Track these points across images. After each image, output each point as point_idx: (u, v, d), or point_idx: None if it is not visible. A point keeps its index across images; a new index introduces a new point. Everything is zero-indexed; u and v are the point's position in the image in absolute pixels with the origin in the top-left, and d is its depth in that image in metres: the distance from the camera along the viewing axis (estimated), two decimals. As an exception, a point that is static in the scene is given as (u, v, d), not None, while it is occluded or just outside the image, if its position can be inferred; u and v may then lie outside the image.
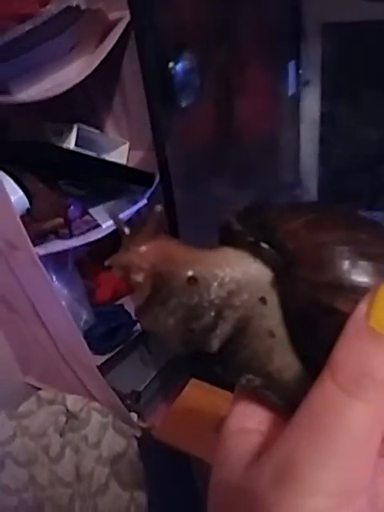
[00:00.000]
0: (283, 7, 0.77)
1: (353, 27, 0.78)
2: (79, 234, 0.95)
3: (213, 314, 0.20)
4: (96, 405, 1.11)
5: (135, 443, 1.07)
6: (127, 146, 1.07)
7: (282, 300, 0.19)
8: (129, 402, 1.15)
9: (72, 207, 1.01)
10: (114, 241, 1.18)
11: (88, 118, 1.02)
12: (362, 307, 0.16)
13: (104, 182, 1.03)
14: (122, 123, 1.04)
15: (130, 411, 1.13)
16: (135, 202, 1.02)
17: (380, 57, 0.78)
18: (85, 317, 1.05)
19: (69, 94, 0.83)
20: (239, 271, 0.20)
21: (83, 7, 0.87)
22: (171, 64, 0.50)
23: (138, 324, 1.09)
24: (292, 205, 0.21)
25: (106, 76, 0.94)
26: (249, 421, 0.20)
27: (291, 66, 0.80)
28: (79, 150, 0.96)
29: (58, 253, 0.90)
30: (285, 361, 0.20)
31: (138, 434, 1.10)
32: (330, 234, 0.19)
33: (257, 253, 0.20)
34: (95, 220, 1.00)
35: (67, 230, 0.93)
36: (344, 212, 0.21)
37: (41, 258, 0.84)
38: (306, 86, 0.82)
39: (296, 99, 0.83)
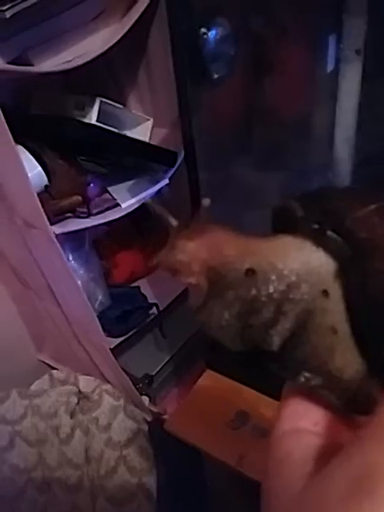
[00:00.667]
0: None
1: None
2: (97, 213, 0.92)
3: (272, 308, 0.18)
4: (108, 387, 1.10)
5: (146, 428, 1.06)
6: (150, 122, 1.02)
7: (346, 293, 0.18)
8: (141, 385, 1.13)
9: (91, 185, 0.98)
10: (133, 221, 1.15)
11: (111, 92, 0.98)
12: None
13: (125, 159, 0.99)
14: (146, 98, 0.99)
15: (141, 395, 1.11)
16: (156, 182, 0.98)
17: None
18: (100, 298, 1.03)
19: (92, 65, 0.78)
20: (299, 262, 0.18)
21: (111, -28, 0.83)
22: (203, 30, 0.45)
23: (154, 308, 1.06)
24: (358, 190, 0.19)
25: (131, 47, 0.89)
26: (303, 421, 0.19)
27: (331, 39, 0.74)
28: (101, 125, 0.92)
29: (76, 232, 0.87)
30: (346, 359, 0.18)
31: (149, 418, 1.08)
32: None
33: (320, 241, 0.18)
34: (114, 199, 0.96)
35: (85, 208, 0.90)
36: None
37: (58, 237, 0.81)
38: (347, 62, 0.76)
39: (334, 76, 0.78)
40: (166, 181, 0.97)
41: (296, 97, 0.71)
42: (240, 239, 0.19)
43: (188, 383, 1.08)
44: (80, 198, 0.88)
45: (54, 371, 1.15)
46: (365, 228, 0.17)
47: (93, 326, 0.94)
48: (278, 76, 0.60)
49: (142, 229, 1.18)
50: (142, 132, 1.02)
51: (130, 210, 0.94)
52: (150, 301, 1.10)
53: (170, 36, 0.45)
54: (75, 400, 1.11)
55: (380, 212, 0.17)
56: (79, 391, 1.12)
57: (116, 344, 1.01)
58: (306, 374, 0.19)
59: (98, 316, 0.99)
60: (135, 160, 0.99)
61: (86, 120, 0.91)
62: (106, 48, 0.78)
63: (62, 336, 1.09)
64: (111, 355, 1.00)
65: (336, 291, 0.18)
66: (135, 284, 1.17)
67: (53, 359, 1.23)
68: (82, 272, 0.99)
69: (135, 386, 1.07)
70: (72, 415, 1.09)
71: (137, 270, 1.14)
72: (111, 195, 0.99)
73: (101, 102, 0.91)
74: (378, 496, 0.15)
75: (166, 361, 1.18)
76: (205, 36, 0.45)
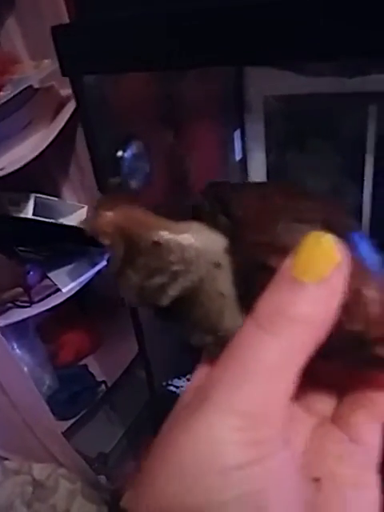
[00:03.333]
0: (226, 83, 0.83)
1: (290, 98, 0.85)
2: (39, 301, 0.95)
3: (169, 274, 0.22)
4: (63, 471, 1.08)
5: (106, 510, 1.05)
6: (85, 209, 1.09)
7: (233, 263, 0.21)
8: (96, 465, 1.12)
9: (31, 273, 1.02)
10: (76, 300, 1.18)
11: (46, 187, 1.04)
12: (288, 261, 0.18)
13: (62, 245, 1.04)
14: (79, 190, 1.07)
15: (98, 475, 1.10)
16: (94, 264, 1.03)
17: (316, 125, 0.85)
18: (48, 382, 1.04)
19: (26, 166, 0.85)
20: (199, 240, 0.22)
21: (36, 86, 0.91)
22: (119, 153, 0.53)
23: (102, 385, 1.08)
24: (244, 183, 0.25)
25: (62, 147, 0.97)
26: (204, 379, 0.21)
27: (237, 134, 0.86)
28: (37, 217, 0.98)
29: (19, 321, 0.90)
30: (234, 321, 0.21)
31: (108, 498, 1.07)
32: (272, 202, 0.21)
33: (214, 223, 0.22)
34: (55, 284, 1.00)
35: (27, 297, 0.93)
36: (289, 185, 0.24)
37: (1, 328, 0.84)
38: (252, 151, 0.87)
39: (243, 164, 0.89)
40: (104, 262, 1.03)
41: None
42: (153, 215, 0.23)
43: (144, 456, 1.09)
44: (21, 289, 0.91)
45: (6, 461, 1.13)
46: (242, 208, 0.21)
47: (42, 411, 0.95)
48: (191, 178, 0.69)
49: (84, 307, 1.22)
50: (77, 218, 1.08)
51: (70, 293, 0.98)
52: (99, 378, 1.12)
53: (90, 159, 0.52)
54: (30, 489, 1.09)
55: (255, 195, 0.22)
56: (34, 479, 1.10)
57: (67, 427, 1.02)
58: (200, 333, 0.22)
59: (47, 400, 1.00)
60: (73, 245, 1.04)
61: (22, 215, 0.96)
62: (37, 153, 0.85)
63: (12, 424, 1.08)
64: (63, 439, 1.00)
65: (226, 263, 0.21)
66: (83, 362, 1.19)
67: (3, 449, 1.21)
68: (27, 359, 1.01)
69: (91, 467, 1.07)
70: (29, 505, 1.06)
71: (83, 348, 1.17)
72: (52, 281, 1.03)
73: (36, 197, 0.97)
74: (213, 399, 0.17)
75: (119, 437, 1.18)
76: (121, 157, 0.53)
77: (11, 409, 1.02)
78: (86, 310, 1.22)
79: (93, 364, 1.18)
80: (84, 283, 1.01)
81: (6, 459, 1.15)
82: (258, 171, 0.90)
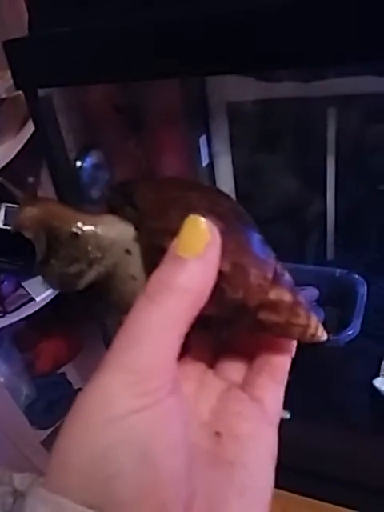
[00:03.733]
0: (189, 90, 0.84)
1: (253, 103, 0.86)
2: (13, 310, 0.96)
3: (86, 262, 0.24)
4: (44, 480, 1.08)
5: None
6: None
7: (141, 248, 0.24)
8: (78, 472, 1.12)
9: (5, 282, 1.02)
10: (52, 308, 1.19)
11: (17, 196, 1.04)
12: (174, 242, 0.21)
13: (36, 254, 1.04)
14: (51, 196, 1.07)
15: (79, 482, 1.10)
16: (69, 272, 1.03)
17: (279, 129, 0.87)
18: (25, 391, 1.04)
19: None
20: (112, 230, 0.24)
21: (3, 96, 0.92)
22: (78, 163, 0.54)
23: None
24: (149, 179, 0.27)
25: (31, 155, 0.97)
26: None
27: (202, 139, 0.87)
28: (9, 227, 0.98)
29: (-8, 332, 0.90)
30: None
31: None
32: (167, 193, 0.24)
33: (123, 214, 0.25)
34: (29, 294, 1.01)
35: (1, 308, 0.93)
36: (185, 180, 0.27)
37: (-26, 340, 0.84)
38: (218, 156, 0.88)
39: (210, 169, 0.90)
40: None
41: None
42: (71, 209, 0.25)
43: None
44: (-7, 299, 0.91)
45: (-14, 474, 1.12)
46: (143, 200, 0.24)
47: (19, 421, 0.95)
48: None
49: (61, 315, 1.22)
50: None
51: (44, 302, 0.98)
52: (77, 385, 1.13)
53: (48, 170, 0.53)
54: (11, 500, 1.08)
55: (154, 188, 0.24)
56: (14, 490, 1.09)
57: (46, 435, 1.02)
58: (116, 313, 0.24)
59: (24, 410, 1.00)
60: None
61: (-8, 225, 0.96)
62: (4, 163, 0.85)
63: (-9, 436, 1.08)
64: (42, 448, 1.00)
65: (136, 249, 0.24)
66: (61, 370, 1.19)
67: (-16, 461, 1.20)
68: (3, 369, 1.01)
69: (71, 475, 1.07)
70: (9, 517, 1.06)
71: (60, 356, 1.17)
72: (25, 290, 1.03)
73: (6, 207, 0.97)
74: (105, 363, 0.19)
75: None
76: (80, 167, 0.54)
77: (-11, 420, 1.02)
78: (63, 318, 1.23)
79: (71, 372, 1.18)
80: (58, 292, 1.01)
81: (-14, 471, 1.15)
82: (225, 175, 0.91)
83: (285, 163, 0.88)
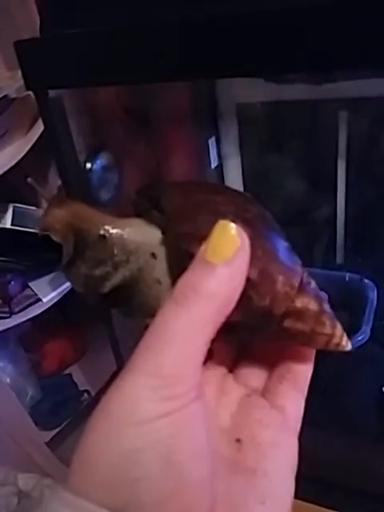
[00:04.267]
0: (199, 91, 0.84)
1: (263, 105, 0.86)
2: (19, 311, 0.96)
3: (111, 264, 0.24)
4: (49, 481, 1.08)
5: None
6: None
7: (167, 253, 0.24)
8: (82, 474, 1.12)
9: (12, 282, 1.02)
10: (58, 308, 1.19)
11: (24, 196, 1.05)
12: (203, 247, 0.21)
13: (43, 255, 1.04)
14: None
15: (84, 484, 1.10)
16: (76, 273, 1.03)
17: (290, 131, 0.86)
18: (31, 392, 1.04)
19: (3, 176, 0.85)
20: (138, 233, 0.24)
21: (12, 96, 0.92)
22: (88, 165, 0.53)
23: (86, 394, 1.08)
24: (175, 182, 0.27)
25: (40, 156, 0.97)
26: None
27: (211, 141, 0.86)
28: (16, 227, 0.98)
29: (-1, 332, 0.90)
30: None
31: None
32: (194, 197, 0.24)
33: (150, 218, 0.25)
34: (36, 294, 1.00)
35: (7, 308, 0.93)
36: (212, 184, 0.27)
37: (-20, 340, 0.84)
38: (228, 158, 0.88)
39: (219, 171, 0.90)
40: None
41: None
42: (98, 212, 0.25)
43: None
44: (0, 300, 0.91)
45: (-9, 474, 1.12)
46: (170, 204, 0.24)
47: (25, 422, 0.95)
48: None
49: (67, 316, 1.22)
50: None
51: (51, 303, 0.98)
52: (83, 386, 1.12)
53: (58, 172, 0.53)
54: (16, 500, 1.08)
55: (181, 192, 0.24)
56: (19, 490, 1.09)
57: (51, 436, 1.02)
58: (140, 316, 0.24)
59: (30, 410, 1.00)
60: (53, 254, 1.04)
61: (0, 225, 0.96)
62: (14, 162, 0.85)
63: (-4, 436, 1.08)
64: (47, 449, 1.00)
65: (161, 253, 0.24)
66: (67, 371, 1.19)
67: (-11, 461, 1.20)
68: (9, 369, 1.01)
69: (76, 476, 1.07)
70: (13, 518, 1.06)
71: (66, 357, 1.17)
72: (32, 290, 1.03)
73: (14, 207, 0.97)
74: (131, 366, 0.19)
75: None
76: (90, 169, 0.54)
77: (-6, 420, 1.02)
78: (69, 319, 1.22)
79: (77, 373, 1.18)
80: (65, 292, 1.01)
81: (-9, 471, 1.15)
82: (234, 178, 0.90)
83: (295, 166, 0.87)
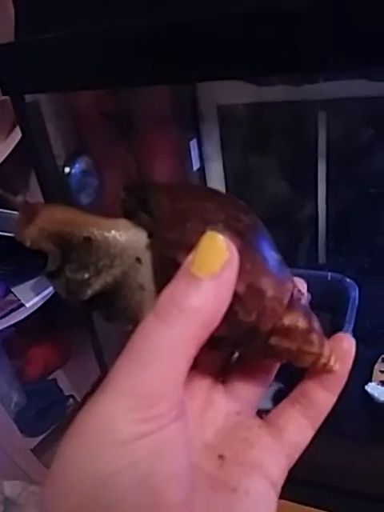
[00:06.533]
0: (179, 94, 0.84)
1: (244, 107, 0.86)
2: (2, 317, 0.94)
3: (94, 269, 0.23)
4: (35, 488, 1.07)
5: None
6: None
7: (152, 258, 0.23)
8: (69, 480, 1.11)
9: (-6, 288, 1.01)
10: (42, 313, 1.17)
11: (5, 199, 1.03)
12: (189, 258, 0.20)
13: (25, 259, 1.03)
14: (40, 201, 1.06)
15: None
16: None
17: (271, 133, 0.86)
18: (15, 398, 1.03)
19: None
20: (124, 236, 0.23)
21: (-10, 99, 0.90)
22: (67, 169, 0.53)
23: (71, 399, 1.07)
24: (164, 183, 0.25)
25: (21, 160, 0.96)
26: None
27: (193, 143, 0.86)
28: (-2, 232, 0.97)
29: (-19, 338, 0.89)
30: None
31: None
32: (184, 202, 0.23)
33: (137, 220, 0.24)
34: (19, 299, 0.99)
35: (-11, 314, 0.92)
36: (201, 187, 0.26)
37: (-38, 347, 0.83)
38: (209, 160, 0.88)
39: (202, 173, 0.90)
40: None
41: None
42: (82, 213, 0.24)
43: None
44: (-18, 306, 0.90)
45: (-24, 482, 1.10)
46: (158, 207, 0.22)
47: (9, 429, 0.94)
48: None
49: (51, 320, 1.21)
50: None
51: (34, 308, 0.97)
52: (68, 391, 1.11)
53: (36, 177, 0.52)
54: (2, 508, 1.07)
55: (170, 196, 0.23)
56: (5, 498, 1.08)
57: (37, 443, 1.01)
58: (123, 322, 0.23)
59: (14, 417, 0.98)
60: (36, 259, 1.03)
61: (-19, 230, 0.94)
62: (-7, 167, 0.84)
63: (-20, 444, 1.06)
64: (33, 456, 0.99)
65: (147, 258, 0.23)
66: (52, 376, 1.18)
67: (-27, 469, 1.18)
68: (-7, 376, 0.99)
69: (62, 482, 1.06)
70: (0, 526, 1.04)
71: (51, 362, 1.16)
72: (15, 295, 1.01)
73: (-4, 211, 0.96)
74: (108, 386, 0.18)
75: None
76: (69, 173, 0.53)
77: (-22, 428, 1.01)
78: (53, 324, 1.21)
79: (62, 378, 1.17)
80: (48, 297, 1.00)
81: (-24, 479, 1.13)
82: (216, 179, 0.91)
83: (276, 166, 0.88)
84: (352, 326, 0.74)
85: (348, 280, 0.82)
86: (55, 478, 0.18)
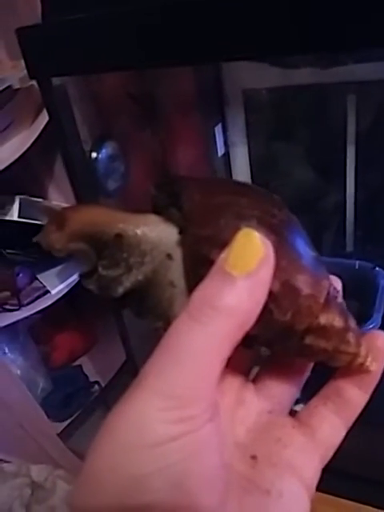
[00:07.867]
0: (204, 78, 0.82)
1: (269, 91, 0.84)
2: (28, 303, 0.95)
3: (125, 265, 0.23)
4: (61, 472, 1.09)
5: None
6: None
7: (184, 255, 0.22)
8: (94, 464, 1.13)
9: (20, 275, 1.02)
10: (67, 300, 1.19)
11: (31, 188, 1.04)
12: (222, 255, 0.19)
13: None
14: (65, 189, 1.06)
15: (96, 474, 1.11)
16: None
17: (297, 117, 0.84)
18: (41, 384, 1.04)
19: (9, 168, 0.85)
20: (154, 232, 0.23)
21: (16, 86, 0.91)
22: (94, 155, 0.52)
23: (96, 386, 1.08)
24: (195, 178, 0.25)
25: (45, 146, 0.97)
26: None
27: (218, 129, 0.85)
28: (23, 219, 0.98)
29: (8, 324, 0.90)
30: (183, 308, 0.22)
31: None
32: (217, 198, 0.22)
33: (167, 216, 0.23)
34: (44, 286, 1.00)
35: (16, 300, 0.93)
36: (232, 182, 0.25)
37: (-10, 333, 0.84)
38: (234, 146, 0.87)
39: (226, 159, 0.88)
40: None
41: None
42: (111, 210, 0.24)
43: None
44: (9, 293, 0.91)
45: (4, 464, 1.13)
46: (190, 203, 0.22)
47: (36, 414, 0.95)
48: (175, 169, 0.68)
49: (77, 307, 1.22)
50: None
51: (59, 295, 0.98)
52: (93, 378, 1.13)
53: (63, 163, 0.52)
54: (29, 491, 1.09)
55: (202, 191, 0.23)
56: (32, 481, 1.10)
57: (63, 428, 1.02)
58: (153, 318, 0.23)
59: (41, 402, 1.00)
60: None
61: (7, 217, 0.96)
62: (18, 155, 0.84)
63: (8, 428, 1.09)
64: (59, 440, 1.00)
65: (178, 254, 0.22)
66: (77, 363, 1.19)
67: (1, 452, 1.21)
68: (20, 362, 1.01)
69: (88, 467, 1.07)
70: (27, 508, 1.07)
71: (76, 349, 1.17)
72: (41, 282, 1.02)
73: (21, 199, 0.97)
74: (142, 385, 0.18)
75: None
76: (96, 158, 0.53)
77: (6, 412, 1.02)
78: (79, 311, 1.22)
79: (87, 364, 1.18)
80: (73, 284, 1.01)
81: (4, 462, 1.16)
82: (241, 165, 0.89)
83: (303, 152, 0.86)
84: (381, 314, 0.72)
85: (377, 268, 0.80)
86: (86, 478, 0.18)
